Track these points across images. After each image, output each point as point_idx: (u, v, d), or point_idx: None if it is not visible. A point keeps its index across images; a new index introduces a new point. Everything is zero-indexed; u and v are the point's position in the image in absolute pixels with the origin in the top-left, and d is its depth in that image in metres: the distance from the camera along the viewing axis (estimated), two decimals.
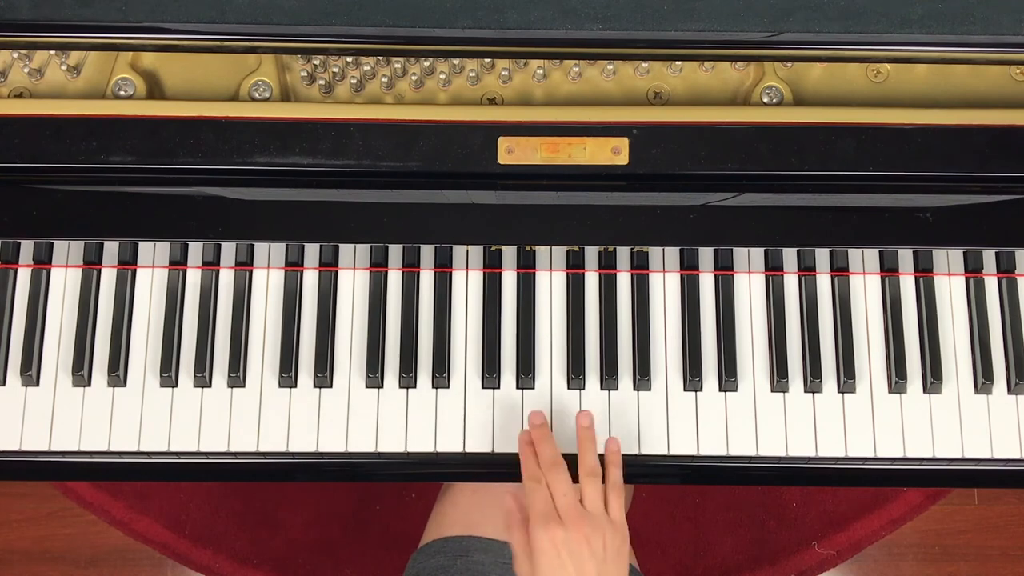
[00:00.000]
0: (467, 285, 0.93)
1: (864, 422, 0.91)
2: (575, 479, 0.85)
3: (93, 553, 1.65)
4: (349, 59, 0.90)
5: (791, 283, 0.94)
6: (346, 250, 0.93)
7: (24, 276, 0.92)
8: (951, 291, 0.94)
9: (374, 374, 0.90)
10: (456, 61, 0.90)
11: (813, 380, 0.91)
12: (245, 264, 0.93)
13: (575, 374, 0.91)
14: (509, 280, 0.94)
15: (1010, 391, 0.92)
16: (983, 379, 0.91)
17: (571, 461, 0.85)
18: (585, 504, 0.83)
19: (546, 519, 0.82)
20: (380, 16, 0.79)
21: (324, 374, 0.91)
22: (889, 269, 0.94)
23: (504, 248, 0.93)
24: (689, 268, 0.94)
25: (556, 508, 0.82)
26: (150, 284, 0.93)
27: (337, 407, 0.91)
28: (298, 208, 0.88)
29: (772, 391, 0.92)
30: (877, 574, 1.67)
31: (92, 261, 0.93)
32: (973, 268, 0.94)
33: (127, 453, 0.90)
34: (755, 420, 0.91)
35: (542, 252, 0.94)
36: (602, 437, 0.90)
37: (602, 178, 0.87)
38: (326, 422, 0.90)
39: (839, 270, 0.94)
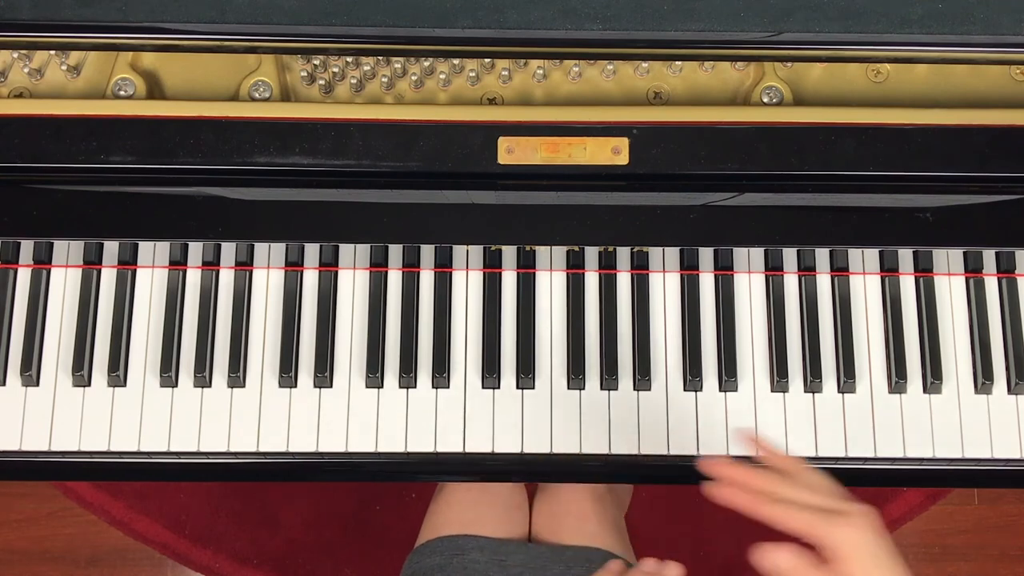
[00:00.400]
0: (467, 285, 0.93)
1: (864, 422, 0.91)
2: None
3: (93, 553, 1.66)
4: (349, 59, 0.90)
5: (791, 283, 0.94)
6: (346, 250, 0.93)
7: (24, 276, 0.92)
8: (951, 291, 0.94)
9: (374, 374, 0.90)
10: (456, 61, 0.90)
11: (813, 380, 0.91)
12: (245, 264, 0.93)
13: (575, 374, 0.91)
14: (509, 280, 0.94)
15: (1010, 391, 0.92)
16: (983, 379, 0.91)
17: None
18: None
19: None
20: (380, 16, 0.79)
21: (324, 374, 0.91)
22: (889, 269, 0.94)
23: (504, 248, 0.93)
24: (689, 268, 0.94)
25: None
26: (150, 284, 0.93)
27: (337, 407, 0.91)
28: (298, 208, 0.88)
29: (772, 391, 0.92)
30: None
31: (92, 261, 0.93)
32: (973, 268, 0.94)
33: (127, 453, 0.90)
34: (755, 420, 0.91)
35: (542, 252, 0.94)
36: (600, 434, 0.90)
37: (602, 178, 0.87)
38: (326, 422, 0.90)
39: (839, 270, 0.94)
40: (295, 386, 0.91)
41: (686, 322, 0.92)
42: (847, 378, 0.91)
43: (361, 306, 0.93)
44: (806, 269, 0.94)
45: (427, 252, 0.94)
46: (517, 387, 0.91)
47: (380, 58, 0.90)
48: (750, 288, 0.94)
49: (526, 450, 0.90)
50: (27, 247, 0.92)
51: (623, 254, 0.94)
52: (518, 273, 0.93)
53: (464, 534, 0.98)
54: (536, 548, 0.98)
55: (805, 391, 0.92)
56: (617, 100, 0.92)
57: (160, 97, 0.92)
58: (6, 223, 0.87)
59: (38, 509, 1.67)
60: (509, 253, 0.94)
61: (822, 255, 0.94)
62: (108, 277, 0.93)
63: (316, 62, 0.90)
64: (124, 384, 0.91)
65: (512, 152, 0.86)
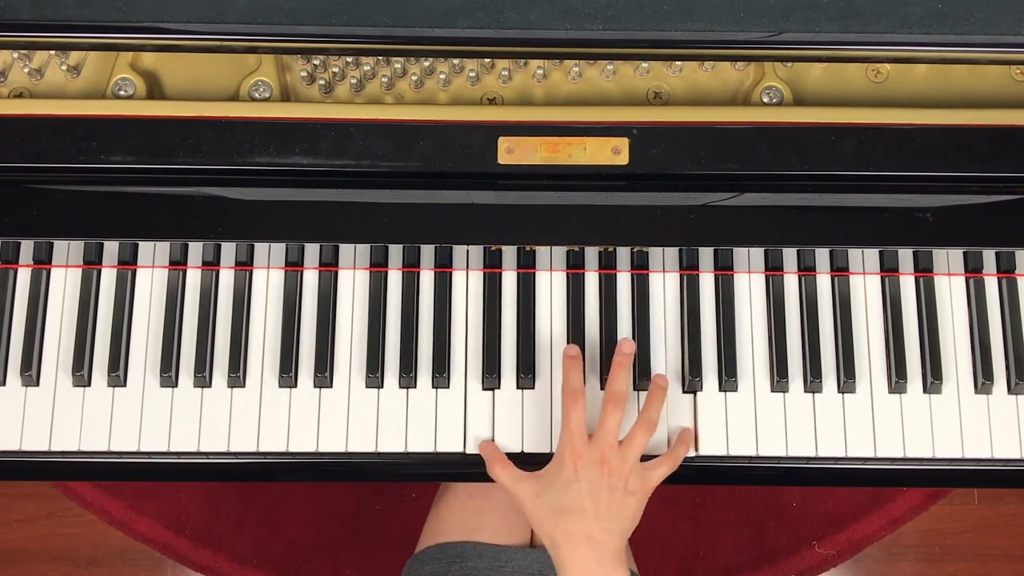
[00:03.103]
0: (467, 285, 0.93)
1: (864, 422, 0.91)
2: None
3: (93, 553, 1.65)
4: (349, 59, 0.90)
5: (791, 283, 0.94)
6: (346, 250, 0.93)
7: (24, 276, 0.92)
8: (951, 291, 0.94)
9: (374, 374, 0.90)
10: (456, 61, 0.90)
11: (813, 380, 0.91)
12: (245, 264, 0.93)
13: None
14: (509, 280, 0.94)
15: (1010, 391, 0.92)
16: (983, 379, 0.91)
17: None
18: (602, 427, 0.83)
19: (576, 438, 0.82)
20: (380, 16, 0.79)
21: (324, 374, 0.91)
22: (889, 269, 0.94)
23: (504, 248, 0.93)
24: (689, 268, 0.94)
25: (596, 435, 0.83)
26: (150, 284, 0.93)
27: (337, 407, 0.91)
28: (298, 208, 0.88)
29: (772, 391, 0.92)
30: (877, 574, 1.67)
31: (92, 261, 0.93)
32: (973, 268, 0.94)
33: (127, 453, 0.90)
34: (755, 420, 0.91)
35: (542, 252, 0.94)
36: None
37: (602, 178, 0.87)
38: (326, 422, 0.90)
39: (839, 270, 0.94)
40: (295, 386, 0.91)
41: (686, 322, 0.92)
42: (847, 378, 0.91)
43: (361, 306, 0.93)
44: (806, 269, 0.94)
45: (427, 252, 0.94)
46: (517, 387, 0.91)
47: (380, 58, 0.90)
48: (750, 288, 0.94)
49: (526, 450, 0.90)
50: (27, 247, 0.92)
51: (623, 254, 0.94)
52: (518, 273, 0.93)
53: (464, 541, 0.98)
54: (535, 553, 0.98)
55: (805, 391, 0.92)
56: (617, 100, 0.92)
57: (160, 97, 0.92)
58: (6, 223, 0.87)
59: (38, 509, 1.67)
60: (509, 253, 0.94)
61: (822, 255, 0.94)
62: (108, 277, 0.93)
63: (316, 62, 0.90)
64: (124, 384, 0.91)
65: (512, 152, 0.86)
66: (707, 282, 0.94)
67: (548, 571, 0.95)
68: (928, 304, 0.93)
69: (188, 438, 0.90)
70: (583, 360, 0.90)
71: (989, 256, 0.94)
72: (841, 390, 0.91)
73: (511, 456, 0.89)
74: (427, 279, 0.93)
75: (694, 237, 0.89)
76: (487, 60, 0.91)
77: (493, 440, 0.90)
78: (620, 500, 0.82)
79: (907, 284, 0.94)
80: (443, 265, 0.93)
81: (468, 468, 0.91)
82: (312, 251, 0.93)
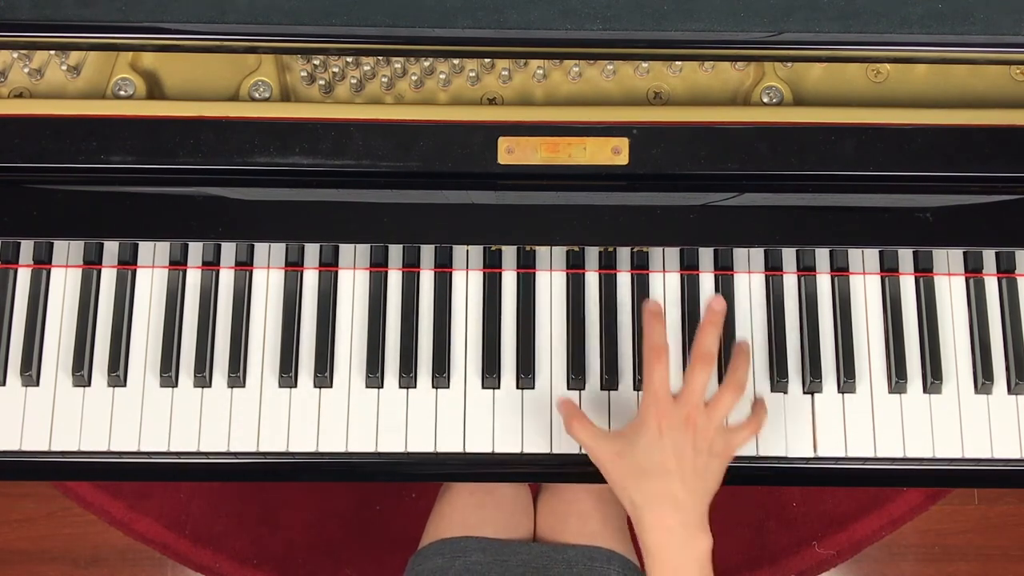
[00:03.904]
0: (467, 285, 0.93)
1: (864, 422, 0.91)
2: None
3: (93, 553, 1.66)
4: (349, 59, 0.90)
5: (791, 283, 0.94)
6: (346, 250, 0.93)
7: (24, 276, 0.92)
8: (951, 291, 0.94)
9: (374, 374, 0.90)
10: (456, 61, 0.90)
11: (813, 380, 0.91)
12: (245, 264, 0.93)
13: (575, 374, 0.91)
14: (509, 280, 0.94)
15: (1010, 391, 0.92)
16: (983, 379, 0.91)
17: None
18: (688, 386, 0.80)
19: (661, 397, 0.80)
20: (380, 16, 0.79)
21: (324, 374, 0.91)
22: (889, 269, 0.94)
23: (504, 248, 0.93)
24: (689, 268, 0.94)
25: (682, 394, 0.80)
26: (150, 284, 0.93)
27: (337, 407, 0.91)
28: (298, 208, 0.88)
29: (772, 391, 0.91)
30: (877, 574, 1.67)
31: (92, 261, 0.93)
32: (973, 268, 0.94)
33: (127, 453, 0.90)
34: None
35: (542, 252, 0.94)
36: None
37: (602, 178, 0.87)
38: (326, 422, 0.90)
39: (839, 270, 0.94)
40: (295, 386, 0.91)
41: (686, 322, 0.92)
42: (847, 378, 0.91)
43: (361, 306, 0.93)
44: (806, 269, 0.94)
45: (427, 252, 0.94)
46: (517, 387, 0.91)
47: (380, 58, 0.90)
48: (750, 288, 0.94)
49: (526, 450, 0.90)
50: (27, 247, 0.92)
51: (623, 254, 0.94)
52: (518, 273, 0.93)
53: (467, 536, 0.98)
54: (538, 548, 0.98)
55: (805, 391, 0.92)
56: (617, 100, 0.92)
57: (160, 97, 0.92)
58: (6, 223, 0.87)
59: (38, 509, 1.67)
60: (509, 253, 0.94)
61: (822, 255, 0.94)
62: (108, 277, 0.93)
63: (316, 62, 0.90)
64: (124, 384, 0.91)
65: (512, 152, 0.86)
66: (707, 282, 0.94)
67: (550, 565, 0.95)
68: (928, 304, 0.93)
69: (188, 438, 0.90)
70: (584, 361, 0.91)
71: (989, 256, 0.94)
72: (841, 390, 0.91)
73: (511, 456, 0.89)
74: (427, 279, 0.93)
75: (694, 237, 0.89)
76: (487, 60, 0.91)
77: (493, 440, 0.90)
78: (705, 462, 0.79)
79: (907, 284, 0.94)
80: (443, 265, 0.93)
81: (468, 468, 0.91)
82: (312, 251, 0.93)
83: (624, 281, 0.93)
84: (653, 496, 0.78)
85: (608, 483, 0.82)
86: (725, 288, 0.93)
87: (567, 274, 0.93)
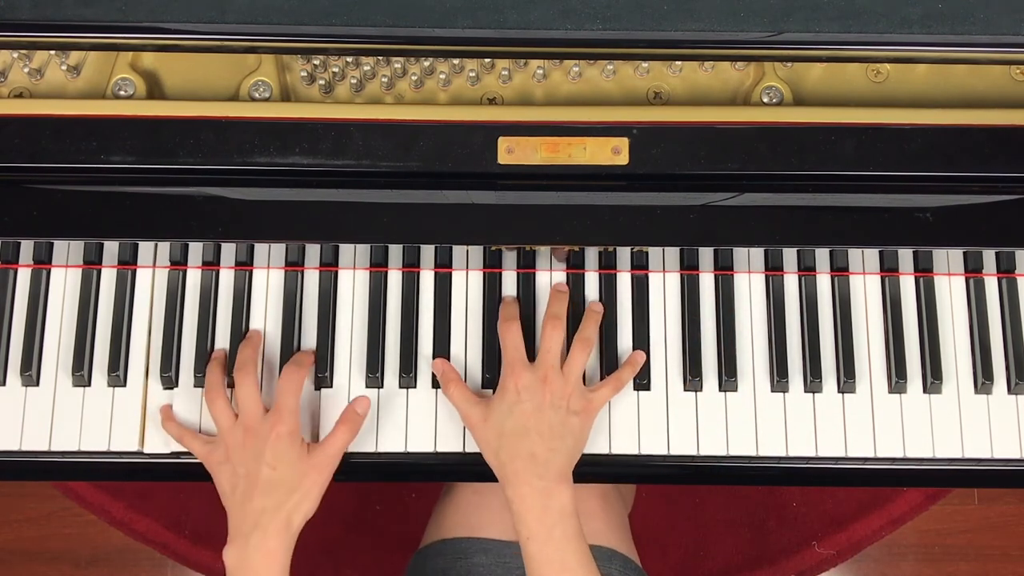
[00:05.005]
0: (467, 285, 0.93)
1: (864, 422, 0.91)
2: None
3: (93, 553, 1.65)
4: (349, 59, 0.90)
5: (791, 283, 0.94)
6: (346, 250, 0.93)
7: (24, 276, 0.92)
8: (951, 291, 0.94)
9: (374, 374, 0.90)
10: (456, 61, 0.90)
11: (813, 380, 0.91)
12: (245, 264, 0.93)
13: None
14: (509, 280, 0.94)
15: (1010, 391, 0.92)
16: (983, 379, 0.91)
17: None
18: (542, 348, 0.87)
19: (516, 361, 0.86)
20: (380, 16, 0.79)
21: (324, 374, 0.91)
22: (889, 269, 0.94)
23: (504, 248, 0.93)
24: (689, 268, 0.94)
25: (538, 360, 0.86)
26: (150, 284, 0.93)
27: (337, 407, 0.90)
28: (298, 208, 0.88)
29: (772, 391, 0.92)
30: (877, 574, 1.67)
31: (92, 261, 0.93)
32: (973, 268, 0.94)
33: (127, 453, 0.90)
34: (755, 420, 0.91)
35: (542, 252, 0.94)
36: (600, 433, 0.90)
37: (602, 178, 0.87)
38: (326, 422, 0.90)
39: (839, 270, 0.94)
40: None
41: (686, 322, 0.92)
42: (847, 378, 0.91)
43: (361, 306, 0.93)
44: (806, 269, 0.94)
45: (427, 252, 0.94)
46: None
47: (380, 58, 0.90)
48: (750, 288, 0.94)
49: None
50: (27, 247, 0.92)
51: (623, 254, 0.94)
52: (518, 273, 0.93)
53: (469, 537, 0.98)
54: None
55: (805, 391, 0.92)
56: (617, 100, 0.92)
57: (160, 97, 0.92)
58: (6, 223, 0.87)
59: (38, 509, 1.67)
60: (509, 253, 0.94)
61: (822, 255, 0.94)
62: (108, 277, 0.93)
63: (316, 62, 0.90)
64: (124, 384, 0.91)
65: (512, 152, 0.86)
66: (707, 282, 0.94)
67: None
68: (928, 304, 0.93)
69: None
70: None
71: (989, 256, 0.94)
72: (841, 390, 0.91)
73: None
74: (427, 279, 0.93)
75: (694, 237, 0.89)
76: (487, 60, 0.91)
77: None
78: (563, 420, 0.84)
79: (907, 284, 0.94)
80: (443, 265, 0.93)
81: (468, 468, 0.91)
82: (312, 251, 0.93)
83: (624, 281, 0.93)
84: (515, 455, 0.83)
85: (479, 448, 0.87)
86: (725, 288, 0.93)
87: (567, 274, 0.93)
